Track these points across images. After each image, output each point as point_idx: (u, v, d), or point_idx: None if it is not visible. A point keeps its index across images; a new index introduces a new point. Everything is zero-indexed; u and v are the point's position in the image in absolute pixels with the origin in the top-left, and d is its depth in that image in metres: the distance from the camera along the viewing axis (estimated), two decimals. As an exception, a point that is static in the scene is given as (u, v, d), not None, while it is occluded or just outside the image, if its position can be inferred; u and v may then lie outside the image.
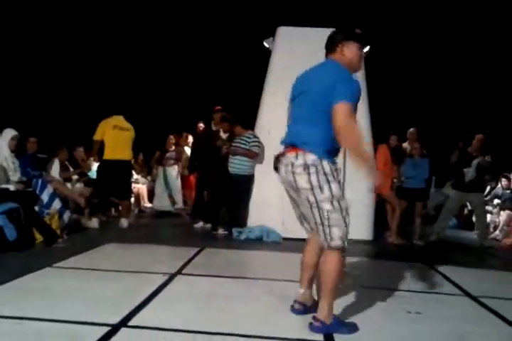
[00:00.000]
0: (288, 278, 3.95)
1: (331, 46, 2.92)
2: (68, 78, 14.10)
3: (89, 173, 8.28)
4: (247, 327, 2.76)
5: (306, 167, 2.66)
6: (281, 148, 2.93)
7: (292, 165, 2.71)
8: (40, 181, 5.81)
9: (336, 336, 2.68)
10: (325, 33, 7.11)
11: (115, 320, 2.73)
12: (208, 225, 7.00)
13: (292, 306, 3.05)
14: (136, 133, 6.98)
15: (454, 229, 9.30)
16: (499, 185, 9.55)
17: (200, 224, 7.22)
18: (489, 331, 2.99)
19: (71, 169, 7.65)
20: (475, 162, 7.02)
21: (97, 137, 6.73)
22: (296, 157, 2.70)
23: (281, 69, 6.57)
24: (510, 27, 12.86)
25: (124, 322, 2.71)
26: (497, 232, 8.53)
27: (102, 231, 6.52)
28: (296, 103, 2.95)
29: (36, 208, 5.43)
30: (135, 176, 9.60)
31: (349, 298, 3.52)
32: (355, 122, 2.64)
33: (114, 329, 2.60)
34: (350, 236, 6.22)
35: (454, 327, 3.00)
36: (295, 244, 5.92)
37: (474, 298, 3.75)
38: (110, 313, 2.84)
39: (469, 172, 7.00)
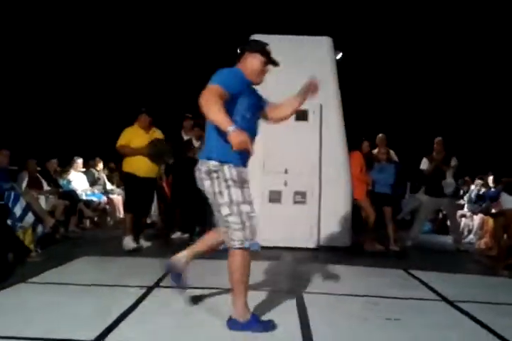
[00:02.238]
0: (265, 287, 3.95)
1: (239, 54, 3.09)
2: (41, 90, 13.90)
3: (64, 186, 8.17)
4: (226, 338, 2.74)
5: (208, 172, 2.84)
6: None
7: (199, 171, 2.91)
8: (12, 194, 5.67)
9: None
10: (296, 40, 7.26)
11: (92, 336, 2.67)
12: (186, 235, 6.94)
13: None
14: (109, 141, 6.80)
15: (429, 233, 9.43)
16: (472, 188, 9.74)
17: (177, 235, 7.15)
18: (467, 336, 3.02)
19: (43, 181, 7.49)
20: (449, 173, 7.18)
21: None
22: (202, 163, 2.90)
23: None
24: (483, 30, 13.17)
25: (101, 338, 2.66)
26: (471, 236, 8.68)
27: (77, 244, 6.40)
28: None
29: (9, 222, 5.30)
30: (109, 187, 9.49)
31: (326, 306, 3.52)
32: (217, 100, 2.65)
33: (91, 345, 2.55)
34: (329, 243, 6.23)
35: (434, 333, 3.02)
36: (273, 252, 5.95)
37: (451, 303, 3.79)
38: (87, 329, 2.77)
39: (448, 187, 7.15)
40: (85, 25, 14.11)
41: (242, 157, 2.87)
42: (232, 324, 2.86)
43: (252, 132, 2.86)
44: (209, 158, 2.86)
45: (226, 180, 2.80)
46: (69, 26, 13.86)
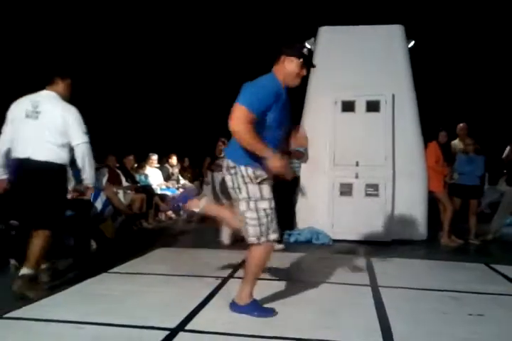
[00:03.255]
0: (341, 281, 3.92)
1: (276, 57, 3.09)
2: (118, 89, 14.44)
3: (141, 181, 8.47)
4: (303, 330, 2.75)
5: (228, 168, 2.98)
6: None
7: (223, 167, 3.07)
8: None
9: (396, 340, 2.63)
10: (365, 30, 7.09)
11: (173, 324, 2.77)
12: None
13: None
14: (183, 138, 7.00)
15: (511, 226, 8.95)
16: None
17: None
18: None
19: (122, 176, 7.81)
20: None
21: None
22: (224, 161, 3.05)
23: (325, 70, 6.51)
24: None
25: (181, 327, 2.75)
26: (557, 229, 8.16)
27: (154, 236, 6.63)
28: None
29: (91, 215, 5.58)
30: (182, 181, 9.74)
31: (403, 300, 3.44)
32: (247, 127, 2.74)
33: (173, 333, 2.64)
34: (403, 236, 6.08)
35: (519, 330, 2.88)
36: (345, 246, 5.88)
37: (538, 299, 3.59)
38: (168, 317, 2.88)
39: None
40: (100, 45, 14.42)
41: (259, 162, 2.89)
42: (233, 306, 3.06)
43: (278, 142, 3.01)
44: (229, 157, 3.00)
45: (243, 177, 2.91)
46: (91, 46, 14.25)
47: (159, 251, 5.32)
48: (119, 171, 7.78)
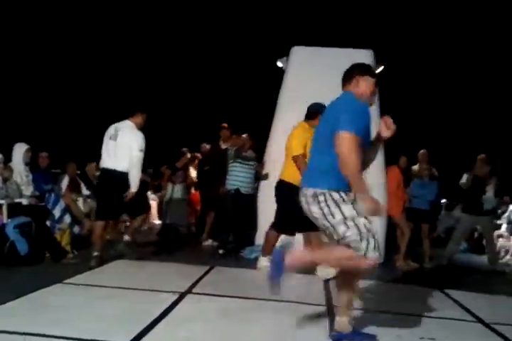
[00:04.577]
0: (300, 300, 3.93)
1: (347, 78, 3.10)
2: (82, 95, 14.27)
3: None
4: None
5: (315, 196, 2.81)
6: None
7: (305, 196, 2.88)
8: (52, 196, 5.84)
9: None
10: (338, 52, 7.23)
11: (126, 339, 2.71)
12: (216, 243, 6.99)
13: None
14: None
15: (465, 252, 9.20)
16: (510, 208, 9.50)
17: (209, 242, 7.21)
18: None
19: (82, 184, 7.66)
20: (490, 190, 7.03)
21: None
22: (308, 188, 2.88)
23: (295, 89, 6.62)
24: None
25: (135, 342, 2.70)
26: (508, 257, 8.44)
27: (112, 247, 6.51)
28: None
29: (48, 223, 5.45)
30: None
31: (359, 323, 3.47)
32: (356, 153, 2.71)
33: (125, 348, 2.59)
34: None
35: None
36: (301, 267, 5.90)
37: (487, 325, 3.69)
38: (121, 332, 2.83)
39: (488, 203, 7.00)
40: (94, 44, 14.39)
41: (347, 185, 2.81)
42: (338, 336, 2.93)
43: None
44: (312, 186, 2.85)
45: (334, 200, 2.77)
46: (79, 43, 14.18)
47: (117, 262, 5.22)
48: (78, 179, 7.64)
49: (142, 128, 5.39)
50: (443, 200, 11.25)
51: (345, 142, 2.69)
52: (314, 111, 5.01)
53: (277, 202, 5.33)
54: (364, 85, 3.01)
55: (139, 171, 5.23)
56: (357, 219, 2.75)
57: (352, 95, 2.98)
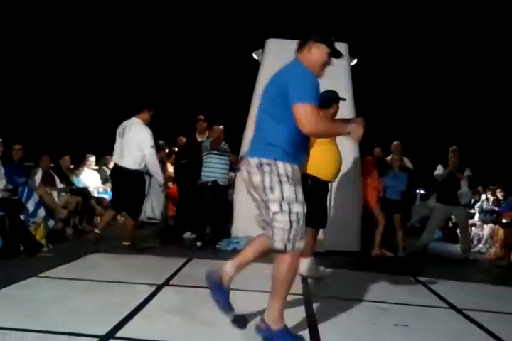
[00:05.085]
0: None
1: (301, 43, 2.89)
2: (56, 87, 14.04)
3: (76, 182, 8.23)
4: (235, 339, 2.76)
5: (259, 166, 2.67)
6: None
7: (247, 164, 2.74)
8: (26, 189, 5.75)
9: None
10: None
11: (102, 331, 2.70)
12: (194, 235, 6.98)
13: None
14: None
15: (439, 241, 9.39)
16: (483, 198, 9.69)
17: (187, 235, 7.19)
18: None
19: (56, 177, 7.56)
20: (464, 182, 7.15)
21: None
22: (252, 157, 2.73)
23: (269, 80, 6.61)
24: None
25: (111, 334, 2.69)
26: (481, 245, 8.64)
27: (88, 240, 6.46)
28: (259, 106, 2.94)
29: (21, 216, 5.37)
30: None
31: (333, 311, 3.53)
32: (321, 121, 2.66)
33: (102, 340, 2.58)
34: (337, 248, 6.14)
35: (441, 340, 3.02)
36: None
37: (459, 311, 3.78)
38: (97, 324, 2.81)
39: (464, 196, 7.13)
40: (77, 37, 14.21)
41: (299, 158, 2.78)
42: (264, 329, 2.68)
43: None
44: (259, 155, 2.70)
45: (279, 175, 2.63)
46: (58, 36, 13.98)
47: (93, 256, 5.18)
48: (52, 172, 7.53)
49: (149, 124, 5.71)
50: (419, 191, 11.42)
51: (310, 116, 2.57)
52: (329, 100, 4.84)
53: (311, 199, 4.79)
54: (317, 53, 2.82)
55: (156, 166, 5.67)
56: (293, 205, 2.62)
57: (301, 65, 2.78)
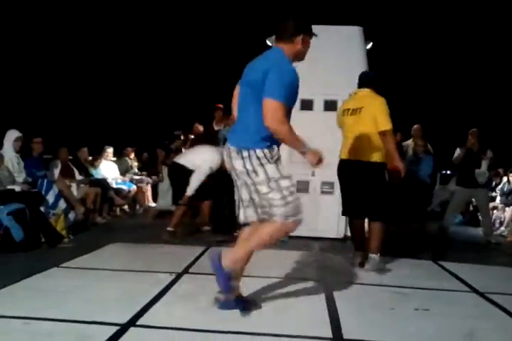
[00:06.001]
0: (294, 276, 3.96)
1: (286, 32, 2.93)
2: (72, 79, 14.13)
3: (95, 174, 8.30)
4: (254, 325, 2.77)
5: (239, 151, 2.77)
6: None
7: (229, 150, 2.84)
8: (45, 182, 5.82)
9: (344, 333, 2.69)
10: (327, 29, 7.14)
11: (124, 319, 2.73)
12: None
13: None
14: (139, 132, 6.91)
15: (460, 225, 9.28)
16: (504, 180, 9.54)
17: (207, 228, 7.18)
18: (497, 327, 2.98)
19: (75, 170, 7.63)
20: (484, 164, 7.02)
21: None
22: (232, 145, 2.84)
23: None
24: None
25: (132, 322, 2.72)
26: (503, 228, 8.52)
27: (107, 231, 6.53)
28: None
29: (42, 209, 5.43)
30: (137, 176, 9.58)
31: (353, 295, 3.52)
32: (285, 123, 2.72)
33: (123, 328, 2.61)
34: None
35: (463, 323, 2.99)
36: (300, 242, 5.94)
37: (482, 294, 3.74)
38: (118, 313, 2.84)
39: (480, 176, 6.99)
40: (89, 30, 14.23)
41: (273, 143, 2.82)
42: (217, 268, 2.83)
43: None
44: (238, 145, 2.81)
45: (258, 158, 2.73)
46: (73, 31, 14.02)
47: (112, 246, 5.23)
48: (70, 164, 7.60)
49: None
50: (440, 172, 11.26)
51: (275, 113, 2.65)
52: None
53: (380, 188, 4.41)
54: (306, 46, 2.94)
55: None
56: (280, 181, 2.74)
57: (283, 54, 2.84)
